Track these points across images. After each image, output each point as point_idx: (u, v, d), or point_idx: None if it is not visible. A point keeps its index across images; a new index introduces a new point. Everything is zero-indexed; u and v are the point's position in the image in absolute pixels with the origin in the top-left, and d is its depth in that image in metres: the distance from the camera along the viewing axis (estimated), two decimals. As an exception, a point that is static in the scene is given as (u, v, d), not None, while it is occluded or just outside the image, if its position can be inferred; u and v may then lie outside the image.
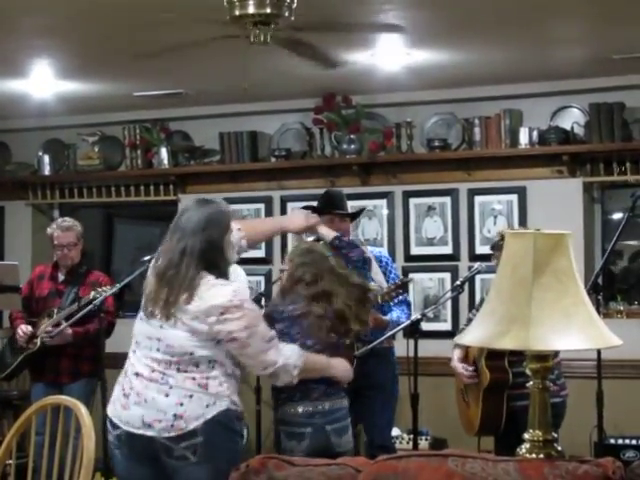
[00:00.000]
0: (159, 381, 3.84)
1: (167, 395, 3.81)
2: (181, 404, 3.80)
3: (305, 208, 6.31)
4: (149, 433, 3.80)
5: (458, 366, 5.53)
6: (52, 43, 6.10)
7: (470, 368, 5.47)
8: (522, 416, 3.05)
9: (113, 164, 8.62)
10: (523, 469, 2.60)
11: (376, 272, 5.93)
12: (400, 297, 5.76)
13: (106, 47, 6.10)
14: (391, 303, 5.77)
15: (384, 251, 6.29)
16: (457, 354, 5.58)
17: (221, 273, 3.95)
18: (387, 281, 5.88)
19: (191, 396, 3.80)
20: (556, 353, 5.10)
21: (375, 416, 5.93)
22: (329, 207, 5.95)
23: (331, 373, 4.47)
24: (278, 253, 7.99)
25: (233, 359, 3.93)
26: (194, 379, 3.84)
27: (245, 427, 5.39)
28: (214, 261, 3.93)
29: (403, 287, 5.65)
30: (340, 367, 4.51)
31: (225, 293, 3.86)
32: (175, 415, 3.78)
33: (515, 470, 2.60)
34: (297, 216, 4.87)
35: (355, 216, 6.26)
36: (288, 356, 4.05)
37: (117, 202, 8.63)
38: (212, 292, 3.86)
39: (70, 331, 6.37)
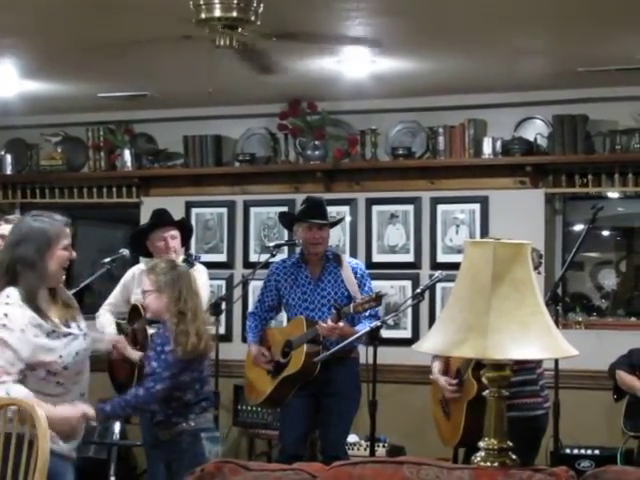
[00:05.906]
0: None
1: None
2: None
3: (284, 215, 6.37)
4: None
5: (440, 379, 5.43)
6: (16, 42, 6.05)
7: (454, 381, 5.35)
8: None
9: (76, 165, 8.56)
10: (477, 477, 2.61)
11: (351, 283, 5.93)
12: (372, 311, 5.76)
13: (71, 47, 6.05)
14: (364, 314, 5.76)
15: (361, 263, 6.28)
16: (437, 367, 5.48)
17: (29, 291, 3.87)
18: (361, 293, 5.87)
19: None
20: (539, 363, 5.09)
21: (330, 426, 5.91)
22: (307, 216, 5.95)
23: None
24: (240, 258, 7.98)
25: None
26: None
27: None
28: (20, 277, 3.88)
29: (377, 301, 5.64)
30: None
31: None
32: None
33: (470, 478, 2.61)
34: None
35: (334, 224, 6.26)
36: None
37: (79, 203, 8.55)
38: None
39: None
